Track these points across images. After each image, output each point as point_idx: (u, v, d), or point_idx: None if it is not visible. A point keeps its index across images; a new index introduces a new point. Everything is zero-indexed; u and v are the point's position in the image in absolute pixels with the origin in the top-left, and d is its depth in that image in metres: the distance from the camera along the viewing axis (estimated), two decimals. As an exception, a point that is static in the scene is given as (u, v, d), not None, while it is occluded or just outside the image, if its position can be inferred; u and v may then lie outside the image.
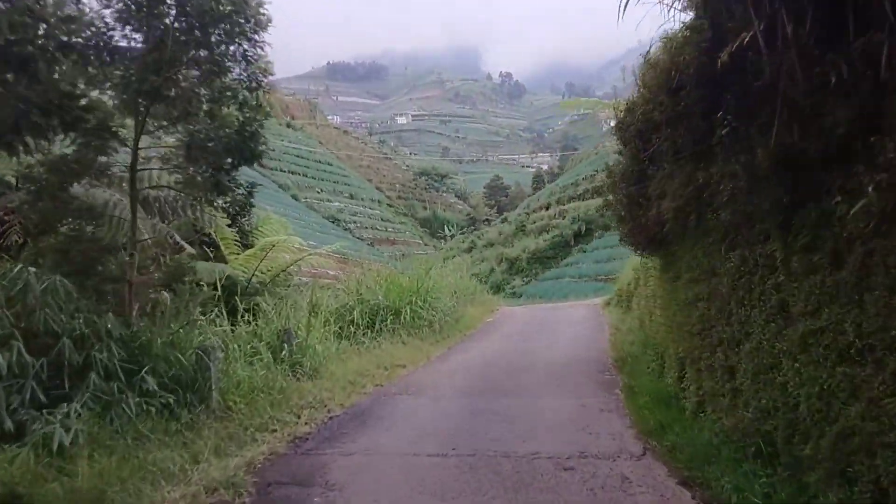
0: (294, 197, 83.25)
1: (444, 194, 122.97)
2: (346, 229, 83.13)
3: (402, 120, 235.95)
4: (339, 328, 15.52)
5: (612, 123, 11.18)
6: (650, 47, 8.05)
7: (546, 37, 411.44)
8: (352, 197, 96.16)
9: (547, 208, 66.34)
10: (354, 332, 15.91)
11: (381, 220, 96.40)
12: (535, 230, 61.69)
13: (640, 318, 16.08)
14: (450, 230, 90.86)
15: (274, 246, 16.15)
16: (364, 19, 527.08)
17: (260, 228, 18.20)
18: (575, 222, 57.30)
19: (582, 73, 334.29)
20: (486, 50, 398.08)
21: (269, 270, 16.29)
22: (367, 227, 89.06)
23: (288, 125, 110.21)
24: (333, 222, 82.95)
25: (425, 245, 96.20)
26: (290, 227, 21.42)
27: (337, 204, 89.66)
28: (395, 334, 17.06)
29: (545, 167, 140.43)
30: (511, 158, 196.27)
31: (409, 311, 18.49)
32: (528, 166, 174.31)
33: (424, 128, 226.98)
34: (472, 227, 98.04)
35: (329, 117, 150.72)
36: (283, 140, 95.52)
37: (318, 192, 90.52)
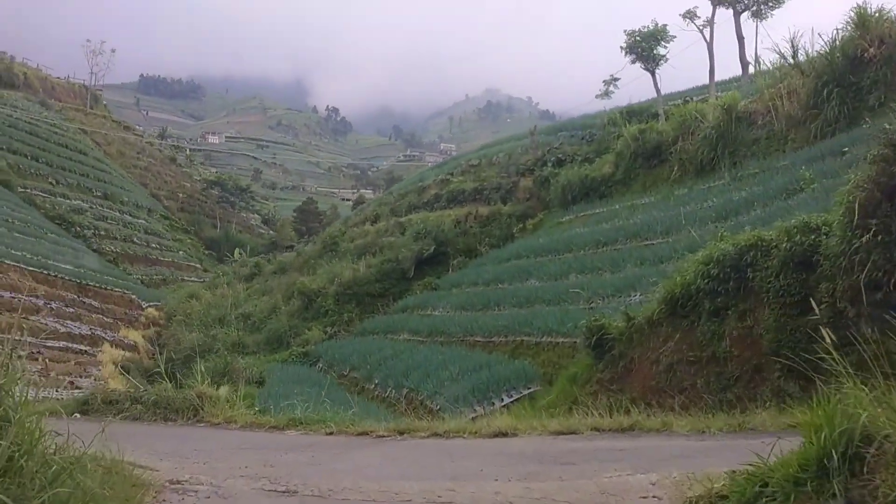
0: (4, 184, 53.77)
1: (244, 213, 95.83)
2: (78, 236, 54.55)
3: (213, 139, 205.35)
4: None
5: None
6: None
7: (377, 80, 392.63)
8: (105, 197, 67.15)
9: (374, 221, 41.75)
10: None
11: (146, 232, 68.04)
12: (353, 251, 36.94)
13: None
14: (240, 255, 64.38)
15: None
16: (185, 34, 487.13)
17: None
18: (419, 239, 33.21)
19: (409, 119, 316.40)
20: (315, 83, 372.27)
21: None
22: (116, 238, 60.55)
23: (42, 104, 79.86)
24: (61, 224, 54.17)
25: (205, 271, 68.99)
26: None
27: (77, 202, 60.64)
28: None
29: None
30: (331, 191, 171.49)
31: None
32: (348, 199, 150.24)
33: (238, 150, 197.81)
34: (273, 254, 71.95)
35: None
36: (2, 104, 65.71)
37: (52, 184, 61.11)
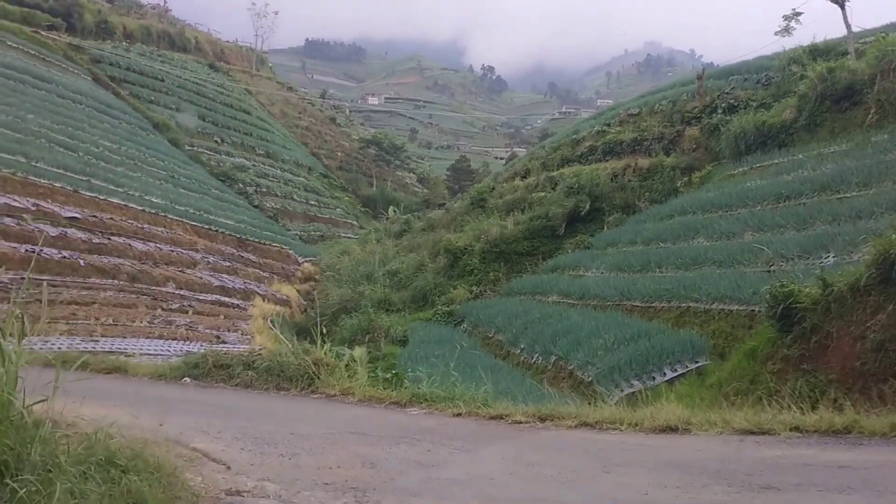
0: (173, 142, 55.96)
1: (399, 172, 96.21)
2: (240, 193, 56.08)
3: (373, 100, 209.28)
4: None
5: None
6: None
7: (533, 37, 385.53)
8: (268, 156, 68.91)
9: (524, 176, 39.58)
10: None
11: (305, 189, 69.38)
12: (502, 207, 35.03)
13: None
14: (394, 212, 64.30)
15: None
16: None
17: None
18: (571, 195, 30.77)
19: (564, 76, 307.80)
20: (471, 43, 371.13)
21: None
22: (276, 195, 62.01)
23: (211, 66, 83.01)
24: (224, 181, 55.85)
25: (361, 228, 69.53)
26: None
27: (239, 160, 62.41)
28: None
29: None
30: (485, 149, 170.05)
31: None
32: (501, 158, 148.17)
33: (396, 110, 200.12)
34: (424, 211, 71.64)
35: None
36: (173, 66, 68.41)
37: (217, 143, 63.22)
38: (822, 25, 31.91)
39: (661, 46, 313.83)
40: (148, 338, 20.58)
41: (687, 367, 14.95)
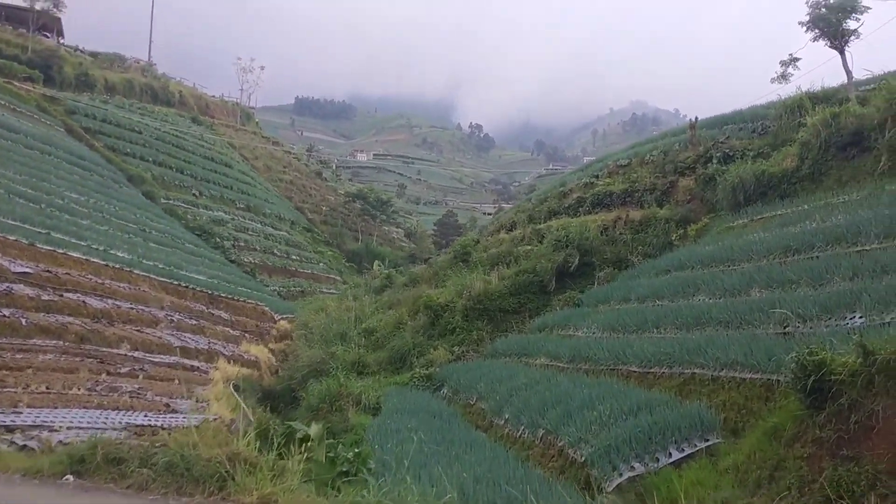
0: (148, 195, 53.92)
1: (385, 227, 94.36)
2: (216, 247, 53.82)
3: (362, 157, 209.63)
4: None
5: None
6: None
7: (520, 96, 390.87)
8: (248, 209, 66.90)
9: (510, 229, 37.50)
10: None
11: (286, 244, 67.21)
12: (486, 261, 32.80)
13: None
14: (379, 266, 62.25)
15: None
16: (335, 57, 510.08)
17: None
18: (559, 248, 28.69)
19: (552, 134, 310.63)
20: (460, 101, 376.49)
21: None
22: (255, 250, 59.74)
23: (194, 120, 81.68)
24: (200, 236, 53.62)
25: (344, 283, 67.28)
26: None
27: (217, 213, 60.32)
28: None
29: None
30: (473, 205, 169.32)
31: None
32: (489, 213, 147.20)
33: (385, 167, 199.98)
34: (408, 266, 69.52)
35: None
36: (153, 119, 66.75)
37: (195, 196, 61.19)
38: (816, 75, 30.60)
39: (646, 105, 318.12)
40: (84, 407, 18.11)
41: (696, 446, 12.66)
